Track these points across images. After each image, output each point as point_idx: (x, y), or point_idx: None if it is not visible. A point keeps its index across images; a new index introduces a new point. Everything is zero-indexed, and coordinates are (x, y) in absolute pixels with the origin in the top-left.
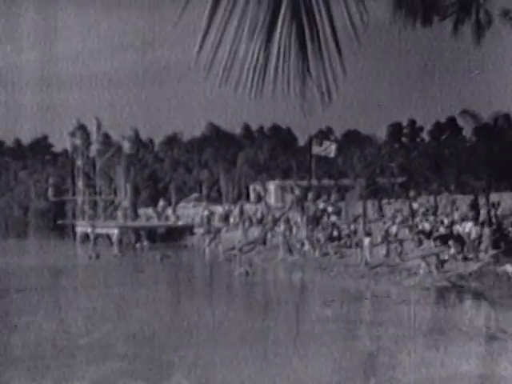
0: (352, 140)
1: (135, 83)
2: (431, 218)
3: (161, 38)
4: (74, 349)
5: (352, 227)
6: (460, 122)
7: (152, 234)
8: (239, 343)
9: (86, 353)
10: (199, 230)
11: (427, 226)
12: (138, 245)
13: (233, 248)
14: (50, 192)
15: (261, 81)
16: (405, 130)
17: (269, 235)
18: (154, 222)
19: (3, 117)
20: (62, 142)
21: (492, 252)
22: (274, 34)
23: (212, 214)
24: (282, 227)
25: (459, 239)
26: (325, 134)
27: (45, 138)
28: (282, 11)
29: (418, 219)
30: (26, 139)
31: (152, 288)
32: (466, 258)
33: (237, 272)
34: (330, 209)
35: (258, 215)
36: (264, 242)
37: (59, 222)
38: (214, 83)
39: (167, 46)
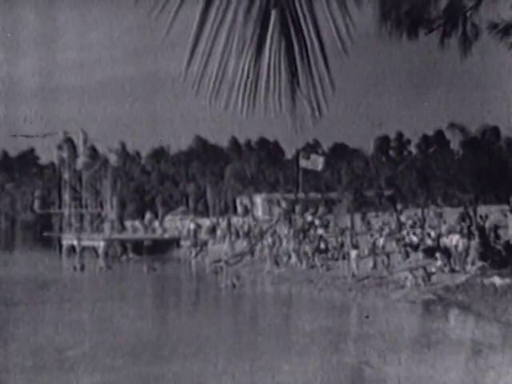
0: (339, 153)
1: (122, 96)
2: (418, 230)
3: (148, 51)
4: (60, 362)
5: (339, 240)
6: (448, 135)
7: (138, 247)
8: (226, 356)
9: (72, 366)
10: (186, 243)
11: (414, 239)
12: (123, 257)
13: (219, 260)
14: (37, 204)
15: (252, 97)
16: (392, 144)
17: (256, 248)
18: (141, 234)
19: None
20: (48, 154)
21: (479, 264)
22: (263, 50)
23: (199, 226)
24: (269, 240)
25: (446, 251)
26: (312, 148)
27: (32, 150)
28: (271, 26)
29: (405, 232)
30: (13, 151)
31: (138, 301)
32: (453, 270)
33: (223, 284)
34: (317, 222)
35: (245, 228)
36: (251, 254)
37: (45, 234)
38: (203, 98)
39: (154, 58)
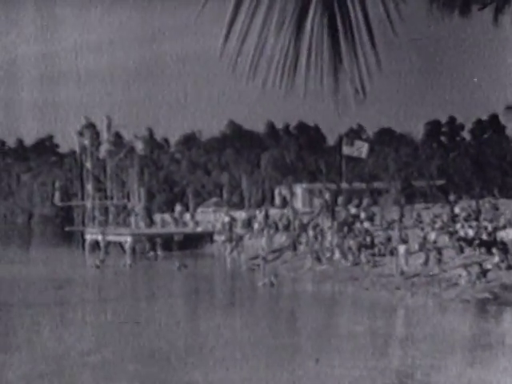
0: (385, 139)
1: (149, 78)
2: (473, 223)
3: (176, 29)
4: (80, 367)
5: (386, 234)
6: (503, 119)
7: (168, 242)
8: (263, 361)
9: (93, 372)
10: (220, 238)
11: (469, 233)
12: (151, 254)
13: (256, 257)
14: (57, 196)
15: (291, 76)
16: (444, 129)
17: (296, 243)
18: (171, 228)
19: (3, 115)
20: (68, 141)
21: None
22: (304, 27)
23: (233, 219)
24: (309, 234)
25: (503, 246)
26: (356, 133)
27: (50, 137)
28: (313, 1)
29: (458, 225)
30: (29, 139)
31: (167, 301)
32: (510, 267)
33: (261, 283)
34: (362, 214)
35: (284, 221)
36: (292, 250)
37: (67, 228)
38: (240, 77)
39: (183, 37)
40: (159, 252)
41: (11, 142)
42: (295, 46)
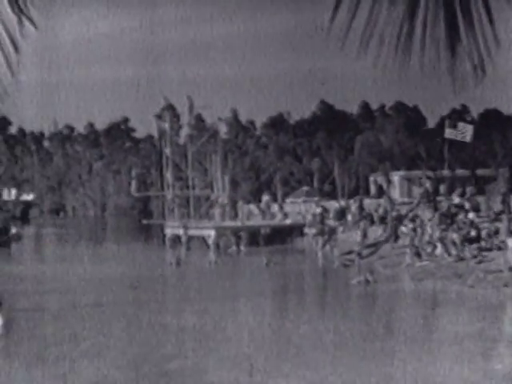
0: (492, 121)
1: (232, 55)
2: None
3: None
4: (161, 376)
5: (493, 226)
6: None
7: (254, 236)
8: (357, 367)
9: (177, 381)
10: (310, 231)
11: None
12: (233, 249)
13: (350, 252)
14: (133, 186)
15: (406, 53)
16: None
17: (393, 236)
18: (257, 221)
19: (73, 97)
20: (146, 125)
21: None
22: (418, 0)
23: (325, 210)
24: (409, 226)
25: None
26: (459, 114)
27: (125, 120)
28: None
29: None
30: (102, 123)
31: (255, 301)
32: None
33: (355, 280)
34: (466, 204)
35: (380, 212)
36: (391, 243)
37: (144, 222)
38: (349, 54)
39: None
40: (242, 247)
41: (80, 127)
42: (409, 19)
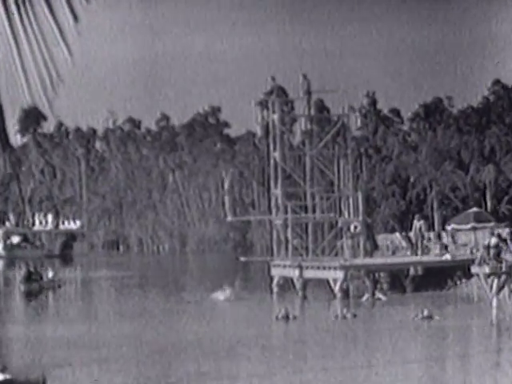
0: None
1: None
2: None
3: None
4: None
5: None
6: None
7: (400, 279)
8: None
9: None
10: (482, 270)
11: None
12: (367, 297)
13: None
14: (227, 208)
15: None
16: None
17: None
18: (404, 256)
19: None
20: (244, 118)
21: None
22: None
23: (503, 241)
24: None
25: None
26: None
27: (214, 111)
28: None
29: None
30: (180, 115)
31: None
32: None
33: None
34: None
35: None
36: None
37: (242, 259)
38: None
39: None
40: (381, 295)
41: (149, 121)
42: None
